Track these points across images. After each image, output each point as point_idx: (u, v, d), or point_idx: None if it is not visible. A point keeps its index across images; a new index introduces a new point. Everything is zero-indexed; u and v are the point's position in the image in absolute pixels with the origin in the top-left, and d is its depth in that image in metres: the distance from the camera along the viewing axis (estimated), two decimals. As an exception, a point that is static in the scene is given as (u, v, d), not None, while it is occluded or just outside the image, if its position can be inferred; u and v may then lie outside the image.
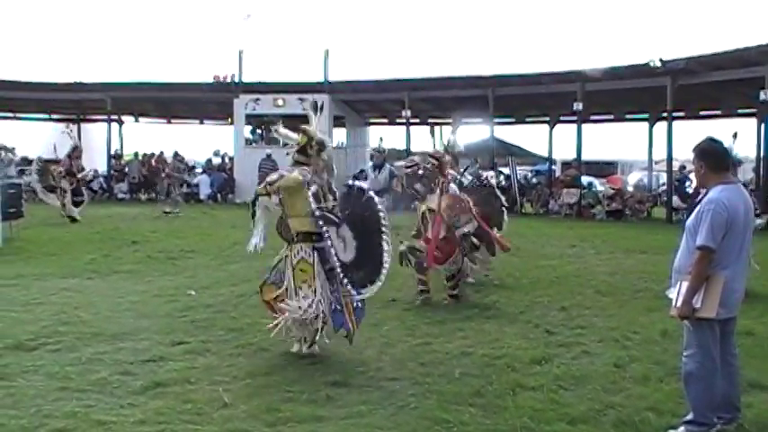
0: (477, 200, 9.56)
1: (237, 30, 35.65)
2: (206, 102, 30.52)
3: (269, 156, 24.60)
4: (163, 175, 26.91)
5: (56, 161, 20.11)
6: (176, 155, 28.67)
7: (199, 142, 37.95)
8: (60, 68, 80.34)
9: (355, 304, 6.56)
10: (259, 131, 29.27)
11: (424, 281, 9.04)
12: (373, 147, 13.12)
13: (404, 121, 27.52)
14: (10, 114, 30.27)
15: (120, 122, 31.95)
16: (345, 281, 6.37)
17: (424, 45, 73.82)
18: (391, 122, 31.79)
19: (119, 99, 29.11)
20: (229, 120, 29.71)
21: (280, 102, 26.86)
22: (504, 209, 10.83)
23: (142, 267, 11.44)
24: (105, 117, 30.53)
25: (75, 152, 20.00)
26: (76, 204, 18.89)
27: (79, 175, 19.23)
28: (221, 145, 31.48)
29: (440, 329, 7.64)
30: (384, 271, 6.48)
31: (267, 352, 6.61)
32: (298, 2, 77.12)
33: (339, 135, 29.50)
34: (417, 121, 28.75)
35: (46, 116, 35.11)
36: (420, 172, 9.12)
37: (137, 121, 34.36)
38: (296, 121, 24.10)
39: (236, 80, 28.39)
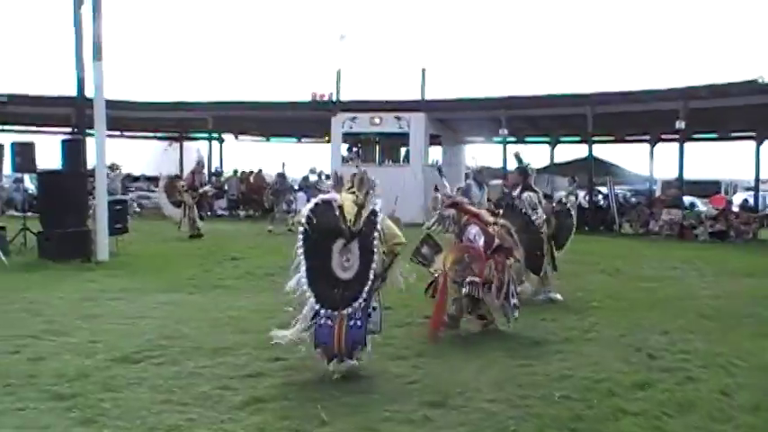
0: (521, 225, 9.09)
1: (335, 49, 36.04)
2: (304, 120, 30.97)
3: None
4: (269, 192, 27.35)
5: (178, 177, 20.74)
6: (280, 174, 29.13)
7: (296, 160, 38.54)
8: (164, 88, 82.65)
9: (353, 322, 6.36)
10: (355, 149, 29.54)
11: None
12: (473, 165, 13.06)
13: (500, 139, 27.39)
14: (117, 133, 31.28)
15: (221, 140, 32.71)
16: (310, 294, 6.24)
17: (522, 63, 73.44)
18: (487, 141, 31.67)
19: (220, 117, 29.85)
20: (326, 138, 30.09)
21: (376, 120, 27.07)
22: (573, 228, 10.92)
23: (241, 283, 11.66)
24: (207, 135, 31.34)
25: (198, 167, 20.63)
26: (202, 218, 19.44)
27: (200, 190, 19.72)
28: (318, 163, 31.91)
29: (538, 351, 7.53)
30: (363, 295, 6.29)
31: (365, 370, 6.61)
32: (395, 21, 77.61)
33: (435, 153, 29.54)
34: (514, 139, 28.57)
35: (150, 134, 36.29)
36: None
37: (237, 138, 35.13)
38: (392, 140, 24.49)
39: (334, 99, 28.76)
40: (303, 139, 36.03)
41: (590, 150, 26.14)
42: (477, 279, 8.02)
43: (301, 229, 6.31)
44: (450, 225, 8.47)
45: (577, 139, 29.16)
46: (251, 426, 5.19)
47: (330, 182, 7.64)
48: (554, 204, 11.31)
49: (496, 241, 8.30)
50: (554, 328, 8.71)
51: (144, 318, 8.81)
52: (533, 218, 9.61)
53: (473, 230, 8.21)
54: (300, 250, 6.25)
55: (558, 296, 10.57)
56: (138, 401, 5.62)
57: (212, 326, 8.40)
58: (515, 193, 10.71)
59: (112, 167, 20.51)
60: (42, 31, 69.10)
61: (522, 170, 10.99)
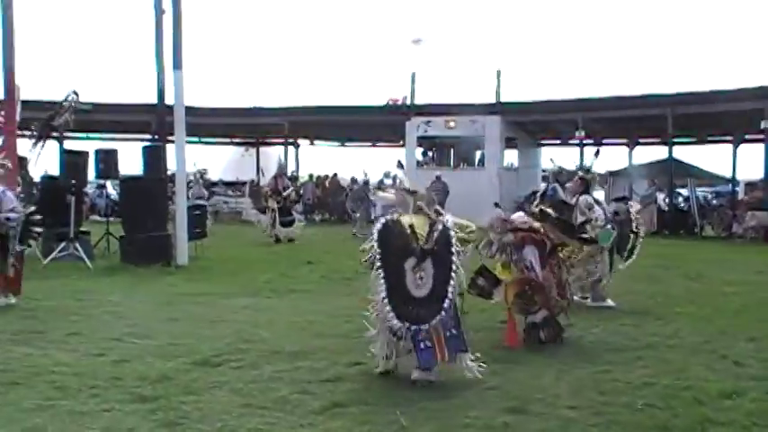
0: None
1: (410, 53, 36.11)
2: (379, 124, 31.06)
3: (438, 177, 24.72)
4: (347, 193, 27.59)
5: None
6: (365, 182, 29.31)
7: (371, 164, 38.72)
8: (241, 94, 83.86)
9: (448, 333, 6.36)
10: (430, 153, 29.49)
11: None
12: (552, 167, 12.89)
13: (577, 141, 27.04)
14: (195, 139, 31.81)
15: (297, 145, 33.02)
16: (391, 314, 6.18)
17: (599, 63, 72.39)
18: (564, 143, 31.30)
19: (295, 123, 30.13)
20: (401, 142, 30.12)
21: (451, 124, 26.98)
22: (635, 235, 10.59)
23: (318, 287, 11.73)
24: (282, 140, 31.67)
25: (281, 171, 20.91)
26: (284, 225, 19.57)
27: (284, 193, 19.93)
28: (393, 167, 31.94)
29: (619, 357, 7.38)
30: (442, 312, 6.25)
31: (443, 375, 6.57)
32: (470, 23, 77.35)
33: (510, 156, 29.32)
34: (591, 141, 28.19)
35: (227, 140, 36.85)
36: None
37: (312, 144, 35.43)
38: (467, 143, 24.30)
39: (409, 103, 28.76)
40: (378, 144, 36.14)
41: (670, 152, 25.62)
42: (541, 317, 7.92)
43: (373, 248, 6.32)
44: (504, 252, 8.09)
45: (657, 140, 28.60)
46: (330, 430, 5.20)
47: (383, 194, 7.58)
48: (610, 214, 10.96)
49: (548, 245, 8.18)
50: (635, 333, 8.53)
51: (223, 321, 8.92)
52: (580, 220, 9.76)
53: (529, 255, 7.98)
54: (377, 268, 6.25)
55: (611, 303, 10.34)
56: (218, 405, 5.68)
57: (290, 330, 8.46)
58: (574, 200, 10.53)
59: (198, 172, 20.95)
60: (124, 41, 70.82)
61: (584, 178, 10.80)
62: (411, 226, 6.43)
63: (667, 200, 25.65)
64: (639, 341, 8.11)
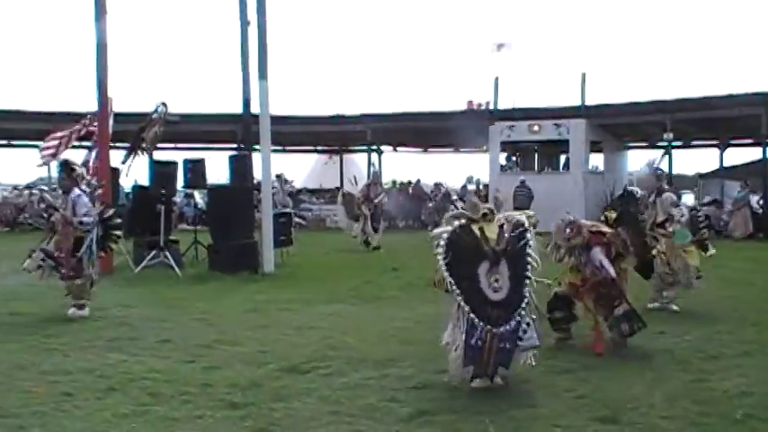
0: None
1: (492, 57, 35.83)
2: (461, 130, 30.90)
3: (523, 182, 24.49)
4: (430, 204, 27.58)
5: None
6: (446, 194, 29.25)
7: (454, 170, 38.60)
8: (324, 102, 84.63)
9: (502, 345, 6.17)
10: (514, 158, 29.22)
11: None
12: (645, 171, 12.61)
13: (665, 144, 26.45)
14: (279, 147, 32.20)
15: (380, 152, 33.12)
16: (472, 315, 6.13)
17: (686, 64, 70.69)
18: (651, 146, 30.65)
19: (378, 129, 30.22)
20: (484, 147, 29.91)
21: (535, 128, 26.67)
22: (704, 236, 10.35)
23: (403, 294, 11.71)
24: (365, 147, 31.81)
25: (374, 178, 21.02)
26: (375, 231, 19.68)
27: (375, 201, 20.00)
28: (476, 172, 31.77)
29: (715, 365, 7.15)
30: (517, 317, 6.18)
31: (529, 383, 6.49)
32: (555, 27, 76.47)
33: (596, 160, 28.83)
34: (679, 143, 27.53)
35: (311, 148, 37.20)
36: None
37: (395, 150, 35.50)
38: (551, 147, 23.96)
39: (491, 107, 28.57)
40: (461, 149, 35.98)
41: (764, 153, 24.81)
42: (622, 310, 7.72)
43: (442, 255, 6.26)
44: (572, 255, 7.97)
45: (750, 141, 27.78)
46: (419, 439, 5.18)
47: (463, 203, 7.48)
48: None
49: (612, 251, 7.97)
50: (730, 340, 8.26)
51: (310, 328, 8.98)
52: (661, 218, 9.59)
53: (598, 255, 7.76)
54: (447, 276, 6.21)
55: (675, 307, 10.05)
56: (307, 412, 5.71)
57: (377, 337, 8.46)
58: (651, 198, 10.28)
59: (285, 181, 21.14)
60: (211, 53, 72.21)
61: (658, 175, 10.60)
62: (481, 229, 6.39)
63: (762, 202, 24.88)
64: (735, 348, 7.85)
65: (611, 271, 7.66)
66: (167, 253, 14.42)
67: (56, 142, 15.74)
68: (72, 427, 5.37)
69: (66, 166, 9.93)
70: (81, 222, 9.56)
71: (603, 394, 6.19)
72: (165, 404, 5.89)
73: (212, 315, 9.87)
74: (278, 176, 28.43)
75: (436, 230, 6.55)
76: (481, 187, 27.41)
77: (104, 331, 8.74)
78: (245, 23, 15.10)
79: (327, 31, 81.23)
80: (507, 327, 6.15)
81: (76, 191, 9.70)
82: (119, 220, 10.53)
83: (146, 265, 14.18)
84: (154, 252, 14.42)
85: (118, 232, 10.54)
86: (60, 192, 10.00)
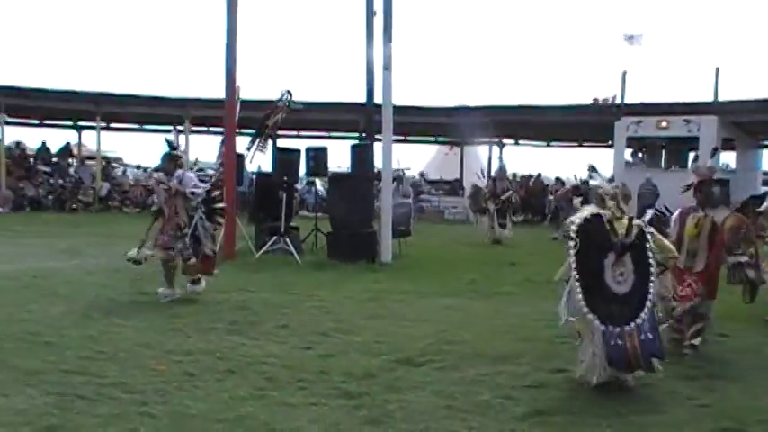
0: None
1: (623, 50, 34.91)
2: (586, 124, 30.29)
3: (648, 179, 23.79)
4: (551, 197, 27.16)
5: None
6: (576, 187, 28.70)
7: (576, 165, 37.92)
8: (444, 93, 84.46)
9: (643, 336, 6.05)
10: (640, 155, 28.43)
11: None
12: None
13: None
14: (401, 138, 32.31)
15: (501, 145, 32.78)
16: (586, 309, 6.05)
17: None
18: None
19: (500, 122, 29.90)
20: (609, 142, 29.21)
21: (663, 124, 25.80)
22: None
23: (521, 290, 11.55)
24: (487, 140, 31.55)
25: (500, 173, 20.85)
26: (501, 227, 19.53)
27: (502, 197, 19.84)
28: (600, 167, 30.97)
29: None
30: (643, 314, 6.04)
31: (650, 388, 6.28)
32: (687, 18, 74.09)
33: (728, 158, 27.77)
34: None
35: (432, 139, 37.18)
36: None
37: (517, 143, 35.10)
38: (680, 144, 23.03)
39: (618, 102, 27.88)
40: (584, 144, 35.27)
41: None
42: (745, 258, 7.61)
43: (572, 243, 6.22)
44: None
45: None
46: (534, 439, 5.08)
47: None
48: None
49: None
50: None
51: (425, 321, 8.96)
52: None
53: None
54: (573, 266, 6.18)
55: None
56: (421, 405, 5.69)
57: (492, 332, 8.36)
58: None
59: (401, 171, 21.12)
60: (336, 42, 73.07)
61: None
62: (610, 221, 6.31)
63: None
64: None
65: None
66: (287, 239, 14.66)
67: None
68: (193, 406, 5.52)
69: (170, 156, 10.16)
70: (192, 193, 9.81)
71: (729, 404, 5.94)
72: (282, 389, 5.99)
73: (329, 303, 9.98)
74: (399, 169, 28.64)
75: (570, 218, 6.51)
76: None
77: (225, 314, 8.95)
78: (371, 13, 15.18)
79: (453, 22, 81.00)
80: (637, 320, 6.06)
81: (180, 170, 9.97)
82: (222, 200, 10.80)
83: (266, 251, 14.46)
84: (274, 238, 14.69)
85: (221, 205, 10.75)
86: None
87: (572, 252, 6.21)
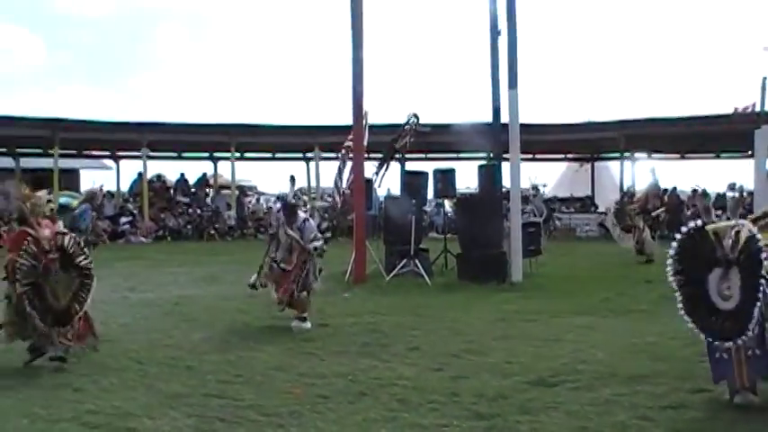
0: None
1: (758, 61, 33.49)
2: (723, 135, 29.21)
3: (792, 190, 22.72)
4: (687, 212, 26.34)
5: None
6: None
7: (713, 177, 36.56)
8: (574, 109, 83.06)
9: (750, 352, 5.81)
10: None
11: None
12: None
13: None
14: (529, 156, 32.01)
15: (633, 160, 32.01)
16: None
17: None
18: None
19: (631, 136, 29.22)
20: (749, 152, 28.05)
21: (808, 130, 24.62)
22: None
23: (657, 307, 11.16)
24: (618, 155, 30.88)
25: (653, 189, 20.18)
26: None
27: (653, 213, 19.24)
28: (739, 179, 29.77)
29: None
30: (750, 327, 5.69)
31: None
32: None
33: None
34: None
35: (560, 156, 36.66)
36: None
37: (649, 157, 34.17)
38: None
39: (758, 110, 26.78)
40: (722, 155, 34.01)
41: None
42: None
43: (671, 260, 6.18)
44: None
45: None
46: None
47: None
48: None
49: None
50: None
51: (558, 341, 8.83)
52: None
53: None
54: (672, 280, 6.14)
55: None
56: (554, 426, 5.61)
57: (628, 351, 8.16)
58: None
59: (535, 188, 20.77)
60: (461, 63, 73.06)
61: None
62: (715, 233, 6.10)
63: None
64: None
65: None
66: (417, 261, 14.75)
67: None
68: (326, 428, 5.61)
69: (288, 207, 10.20)
70: (315, 248, 9.85)
71: None
72: (414, 411, 6.01)
73: (460, 324, 9.97)
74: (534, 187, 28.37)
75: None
76: (745, 194, 25.63)
77: (357, 337, 9.08)
78: (495, 33, 15.15)
79: (579, 36, 79.78)
80: (743, 337, 5.78)
81: (301, 216, 10.03)
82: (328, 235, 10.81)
83: (396, 274, 14.58)
84: (404, 261, 14.80)
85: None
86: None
87: (670, 266, 6.17)
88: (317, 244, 9.90)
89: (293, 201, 10.40)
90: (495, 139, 16.01)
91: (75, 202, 28.09)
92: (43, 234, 7.62)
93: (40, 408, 6.14)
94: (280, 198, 10.49)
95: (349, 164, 16.04)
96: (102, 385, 6.89)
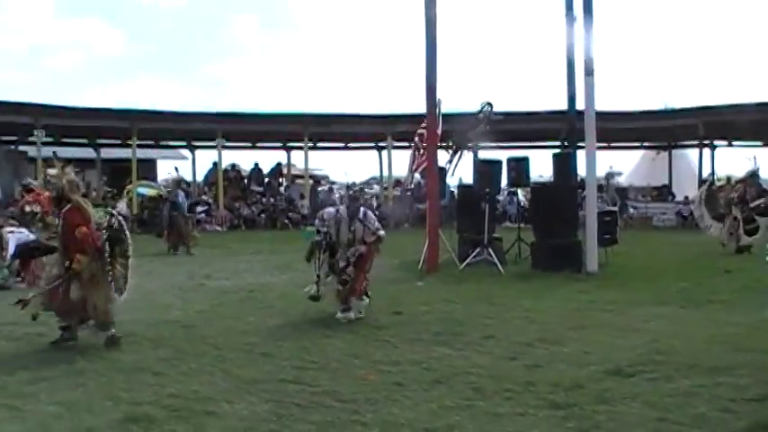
0: None
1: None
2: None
3: None
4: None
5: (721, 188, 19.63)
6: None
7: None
8: (652, 96, 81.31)
9: None
10: None
11: None
12: None
13: None
14: (604, 144, 31.48)
15: (713, 147, 31.25)
16: None
17: None
18: None
19: (711, 123, 28.54)
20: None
21: None
22: None
23: (738, 297, 10.94)
24: (697, 142, 30.21)
25: (752, 179, 19.54)
26: (749, 233, 18.22)
27: (752, 204, 18.70)
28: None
29: None
30: None
31: None
32: None
33: None
34: None
35: (637, 144, 36.05)
36: None
37: (730, 145, 33.33)
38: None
39: None
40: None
41: None
42: None
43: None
44: None
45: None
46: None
47: None
48: None
49: None
50: None
51: (635, 331, 8.69)
52: None
53: None
54: None
55: None
56: (632, 416, 5.52)
57: (707, 342, 7.96)
58: None
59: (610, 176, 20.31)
60: (535, 50, 72.26)
61: None
62: None
63: None
64: None
65: None
66: (491, 250, 14.68)
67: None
68: (401, 415, 5.62)
69: (352, 197, 10.30)
70: (379, 238, 9.70)
71: None
72: (489, 400, 5.99)
73: (534, 313, 9.89)
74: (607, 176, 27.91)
75: None
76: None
77: (431, 325, 9.07)
78: (571, 18, 14.93)
79: (656, 20, 78.04)
80: None
81: (361, 209, 9.90)
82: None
83: (469, 263, 14.53)
84: (478, 249, 14.74)
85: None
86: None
87: None
88: (382, 233, 9.82)
89: (356, 193, 10.36)
90: (570, 126, 15.82)
91: (150, 191, 28.86)
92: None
93: (123, 391, 6.31)
94: (344, 188, 10.34)
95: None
96: (181, 369, 7.04)
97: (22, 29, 68.62)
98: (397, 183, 32.25)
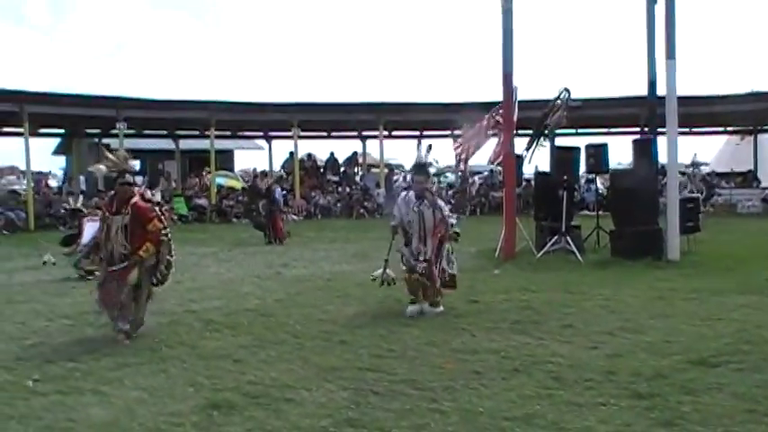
0: None
1: None
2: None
3: None
4: None
5: None
6: None
7: None
8: (738, 80, 78.95)
9: None
10: None
11: None
12: None
13: None
14: (686, 129, 30.76)
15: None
16: None
17: None
18: None
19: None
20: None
21: None
22: None
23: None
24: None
25: None
26: None
27: None
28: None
29: None
30: None
31: None
32: None
33: None
34: None
35: (720, 129, 35.16)
36: None
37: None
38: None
39: None
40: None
41: None
42: None
43: None
44: None
45: None
46: None
47: None
48: None
49: None
50: None
51: (720, 320, 8.45)
52: None
53: None
54: None
55: None
56: (718, 408, 5.37)
57: (798, 332, 7.72)
58: None
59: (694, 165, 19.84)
60: (614, 34, 70.88)
61: None
62: None
63: None
64: None
65: None
66: (569, 238, 14.49)
67: (464, 143, 16.56)
68: (480, 404, 5.58)
69: (422, 169, 9.64)
70: (452, 225, 9.34)
71: None
72: (569, 389, 5.90)
73: (614, 302, 9.72)
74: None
75: None
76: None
77: (508, 314, 8.99)
78: (652, 1, 14.57)
79: (744, 1, 75.65)
80: None
81: (430, 195, 9.32)
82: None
83: (547, 251, 14.36)
84: (555, 237, 14.57)
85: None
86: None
87: None
88: (453, 220, 9.46)
89: (420, 170, 9.75)
90: (651, 111, 15.48)
91: (229, 182, 29.45)
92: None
93: (204, 377, 6.41)
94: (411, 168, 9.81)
95: (494, 140, 15.97)
96: (260, 357, 7.12)
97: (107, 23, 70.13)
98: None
